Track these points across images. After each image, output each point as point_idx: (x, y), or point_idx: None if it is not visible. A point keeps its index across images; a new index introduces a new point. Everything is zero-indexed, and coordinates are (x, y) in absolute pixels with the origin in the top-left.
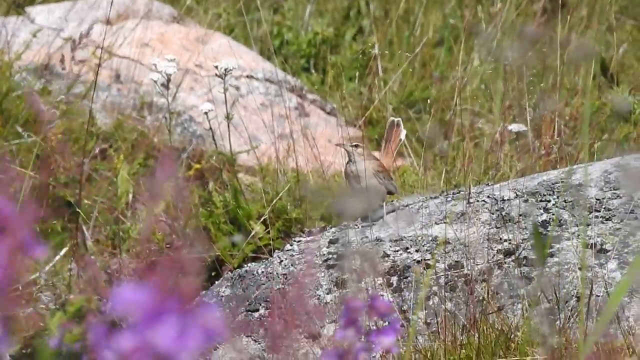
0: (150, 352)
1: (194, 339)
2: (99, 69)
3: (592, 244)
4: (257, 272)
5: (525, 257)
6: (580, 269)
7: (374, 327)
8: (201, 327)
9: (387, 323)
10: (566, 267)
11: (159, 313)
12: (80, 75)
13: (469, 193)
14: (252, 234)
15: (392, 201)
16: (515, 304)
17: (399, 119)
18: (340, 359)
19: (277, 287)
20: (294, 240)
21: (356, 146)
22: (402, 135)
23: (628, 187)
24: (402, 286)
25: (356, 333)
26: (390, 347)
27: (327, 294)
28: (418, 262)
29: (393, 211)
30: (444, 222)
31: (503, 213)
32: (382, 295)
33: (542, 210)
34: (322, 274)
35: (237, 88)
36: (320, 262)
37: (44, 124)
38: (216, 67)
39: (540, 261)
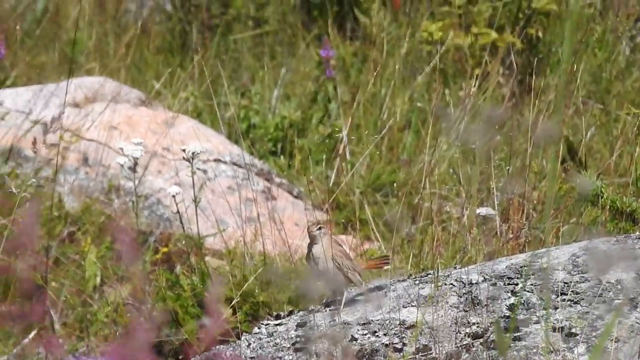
0: None
1: None
2: (58, 153)
3: (560, 327)
4: (226, 355)
5: (493, 341)
6: (549, 352)
7: None
8: None
9: None
10: (534, 350)
11: None
12: (51, 158)
13: (437, 276)
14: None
15: (359, 285)
16: None
17: (389, 257)
18: None
19: None
20: (262, 324)
21: (320, 228)
22: (386, 267)
23: (595, 270)
24: None
25: None
26: None
27: None
28: (386, 345)
29: (360, 295)
30: (412, 306)
31: (471, 296)
32: None
33: (509, 294)
34: (290, 357)
35: (205, 171)
36: (289, 346)
37: (14, 206)
38: (184, 150)
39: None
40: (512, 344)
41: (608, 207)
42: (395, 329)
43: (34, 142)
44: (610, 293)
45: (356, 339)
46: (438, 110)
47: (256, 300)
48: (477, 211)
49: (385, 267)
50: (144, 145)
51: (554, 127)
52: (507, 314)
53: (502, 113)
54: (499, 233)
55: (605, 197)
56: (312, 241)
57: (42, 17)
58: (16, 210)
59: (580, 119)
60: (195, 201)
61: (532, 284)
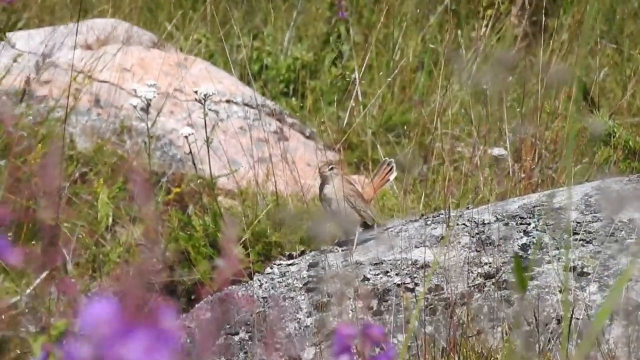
0: None
1: (163, 355)
2: (68, 93)
3: (572, 267)
4: (237, 295)
5: (505, 281)
6: (560, 292)
7: (366, 354)
8: (169, 342)
9: (379, 350)
10: (546, 290)
11: (129, 329)
12: (58, 99)
13: (449, 217)
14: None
15: (371, 226)
16: (496, 327)
17: (393, 161)
18: None
19: (258, 310)
20: (274, 264)
21: (332, 168)
22: (391, 177)
23: (608, 209)
24: (382, 309)
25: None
26: None
27: (307, 317)
28: (398, 285)
29: (372, 235)
30: (424, 246)
31: (483, 237)
32: (364, 319)
33: (522, 234)
34: (302, 297)
35: (217, 112)
36: (301, 286)
37: (16, 147)
38: (196, 92)
39: (522, 290)
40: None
41: (621, 146)
42: (407, 269)
43: (27, 80)
44: (622, 232)
45: (368, 279)
46: (450, 51)
47: (268, 240)
48: (490, 151)
49: (392, 177)
50: (156, 87)
51: (565, 68)
52: (520, 254)
53: (514, 54)
54: (511, 173)
55: (617, 136)
56: (324, 181)
57: None
58: (18, 150)
59: (594, 59)
60: (208, 142)
61: (544, 224)
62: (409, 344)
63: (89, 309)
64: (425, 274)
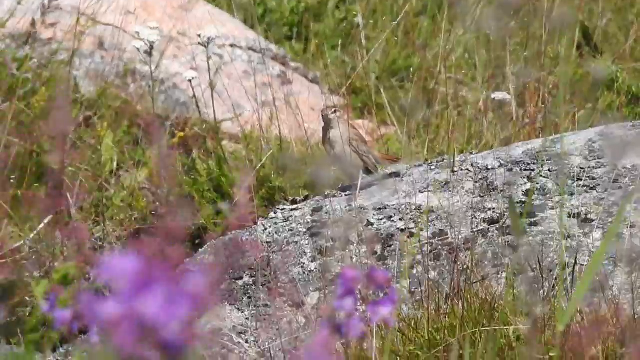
0: (137, 321)
1: (182, 307)
2: (74, 35)
3: (576, 213)
4: (241, 240)
5: (509, 226)
6: (564, 238)
7: (369, 298)
8: (188, 296)
9: (383, 294)
10: (550, 236)
11: (146, 281)
12: (61, 42)
13: (453, 162)
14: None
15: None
16: (500, 272)
17: (399, 159)
18: (335, 328)
19: (262, 255)
20: (278, 208)
21: (335, 112)
22: (394, 164)
23: (611, 155)
24: (386, 254)
25: (353, 303)
26: (387, 318)
27: (311, 261)
28: (402, 230)
29: (376, 180)
30: (428, 191)
31: (487, 182)
32: (368, 264)
33: (525, 179)
34: (306, 242)
35: (221, 56)
36: (304, 230)
37: (20, 89)
38: (199, 35)
39: (518, 232)
40: (528, 229)
41: (624, 92)
42: (411, 214)
43: (32, 23)
44: (626, 179)
45: (372, 224)
46: None
47: (272, 185)
48: (493, 96)
49: (394, 164)
50: (160, 30)
51: (568, 12)
52: (523, 200)
53: None
54: (515, 118)
55: (621, 82)
56: (328, 125)
57: None
58: (21, 92)
59: (596, 3)
60: (212, 85)
61: (548, 170)
62: (412, 290)
63: (108, 262)
64: (427, 218)
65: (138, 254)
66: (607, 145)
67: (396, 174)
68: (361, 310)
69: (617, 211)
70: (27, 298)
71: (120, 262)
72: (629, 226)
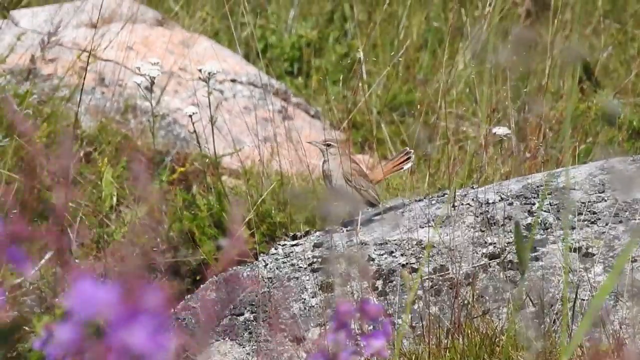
0: (122, 353)
1: (166, 339)
2: (87, 76)
3: (577, 247)
4: (242, 276)
5: (510, 261)
6: (565, 272)
7: (364, 331)
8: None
9: (375, 327)
10: (551, 270)
11: (130, 313)
12: (62, 77)
13: (454, 196)
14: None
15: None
16: (501, 307)
17: (412, 152)
18: None
19: (263, 290)
20: (279, 244)
21: (329, 145)
22: (406, 166)
23: (617, 190)
24: (387, 290)
25: (347, 336)
26: (380, 350)
27: (312, 297)
28: (403, 265)
29: (377, 214)
30: (429, 226)
31: (488, 216)
32: (370, 299)
33: (526, 213)
34: (307, 278)
35: (221, 91)
36: (305, 266)
37: (20, 126)
38: (200, 70)
39: (523, 263)
40: (529, 264)
41: (625, 126)
42: (412, 249)
43: (32, 59)
44: (627, 213)
45: (373, 259)
46: (455, 29)
47: (273, 220)
48: (494, 130)
49: (406, 167)
50: (160, 65)
51: (578, 47)
52: (524, 234)
53: (525, 31)
54: (515, 152)
55: (622, 116)
56: (325, 159)
57: None
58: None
59: (597, 38)
60: (212, 121)
61: (549, 204)
62: (413, 325)
63: (78, 289)
64: (429, 253)
65: (120, 282)
66: (614, 179)
67: (396, 208)
68: (356, 344)
69: (624, 246)
70: (28, 333)
71: (94, 291)
72: (630, 260)
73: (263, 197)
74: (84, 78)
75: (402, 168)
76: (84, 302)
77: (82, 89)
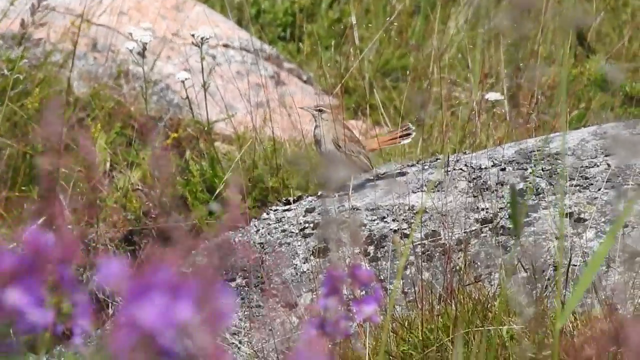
0: (139, 328)
1: (183, 313)
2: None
3: (569, 213)
4: (234, 241)
5: (502, 227)
6: (557, 238)
7: (355, 296)
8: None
9: (367, 292)
10: (543, 236)
11: (144, 287)
12: (55, 43)
13: (447, 161)
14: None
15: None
16: (493, 273)
17: (413, 128)
18: (321, 328)
19: (254, 256)
20: (271, 209)
21: (321, 110)
22: (404, 141)
23: (620, 155)
24: (379, 255)
25: (338, 302)
26: (372, 315)
27: (304, 263)
28: (395, 231)
29: (369, 180)
30: (421, 191)
31: (480, 182)
32: (361, 265)
33: (519, 179)
34: (299, 243)
35: (214, 57)
36: (297, 231)
37: (13, 90)
38: (193, 35)
39: (518, 227)
40: (522, 233)
41: (617, 92)
42: (405, 214)
43: (22, 23)
44: (619, 178)
45: (365, 225)
46: None
47: (265, 186)
48: (487, 96)
49: (404, 142)
50: (153, 31)
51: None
52: (516, 196)
53: None
54: (508, 118)
55: (615, 83)
56: (316, 124)
57: None
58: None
59: (589, 3)
60: (204, 86)
61: (541, 169)
62: (406, 291)
63: (105, 266)
64: (421, 219)
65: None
66: (617, 144)
67: (389, 175)
68: (347, 309)
69: (616, 211)
70: None
71: (118, 267)
72: (621, 226)
73: (256, 163)
74: (74, 43)
75: (400, 142)
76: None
77: (73, 55)
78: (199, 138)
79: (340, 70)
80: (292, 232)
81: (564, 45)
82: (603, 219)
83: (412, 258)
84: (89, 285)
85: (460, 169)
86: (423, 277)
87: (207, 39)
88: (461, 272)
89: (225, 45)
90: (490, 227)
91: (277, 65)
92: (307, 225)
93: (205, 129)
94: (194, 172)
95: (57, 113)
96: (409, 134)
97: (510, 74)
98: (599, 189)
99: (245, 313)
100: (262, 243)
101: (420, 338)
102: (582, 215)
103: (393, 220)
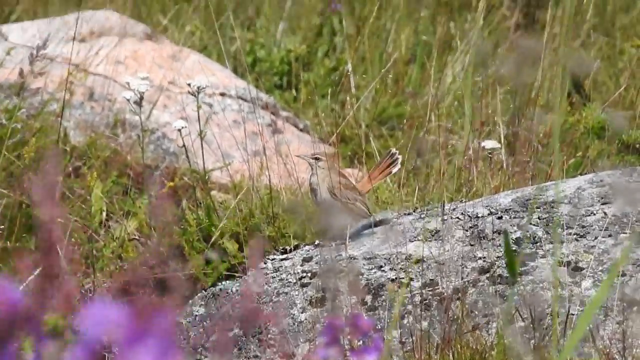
0: None
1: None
2: (65, 87)
3: (566, 261)
4: (232, 291)
5: (499, 275)
6: (554, 286)
7: (354, 346)
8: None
9: (365, 342)
10: (541, 285)
11: (139, 334)
12: (53, 92)
13: (443, 210)
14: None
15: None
16: (490, 322)
17: (397, 152)
18: None
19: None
20: (268, 259)
21: (317, 159)
22: (394, 169)
23: (620, 202)
24: (377, 305)
25: (338, 352)
26: None
27: (302, 312)
28: (392, 280)
29: (366, 228)
30: (418, 240)
31: (477, 230)
32: (361, 314)
33: (516, 227)
34: (297, 293)
35: (210, 105)
36: (295, 281)
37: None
38: (189, 84)
39: (513, 273)
40: (518, 278)
41: (614, 140)
42: (401, 263)
43: (21, 72)
44: (616, 227)
45: (362, 274)
46: (444, 43)
47: (262, 234)
48: (483, 144)
49: (394, 170)
50: (149, 80)
51: (572, 60)
52: (513, 248)
53: (540, 44)
54: (504, 166)
55: (611, 131)
56: (312, 172)
57: None
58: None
59: (586, 51)
60: (201, 135)
61: (538, 218)
62: (403, 340)
63: (91, 311)
64: (421, 267)
65: (125, 304)
66: (613, 192)
67: (386, 222)
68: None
69: (611, 260)
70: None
71: (105, 313)
72: (619, 274)
73: (253, 211)
74: (64, 92)
75: (391, 172)
76: (94, 323)
77: (64, 104)
78: (196, 187)
79: (337, 118)
80: (290, 282)
81: (560, 93)
82: (600, 268)
83: (409, 307)
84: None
85: (457, 217)
86: (420, 326)
87: (203, 87)
88: (459, 321)
89: (222, 94)
90: (488, 276)
91: (273, 114)
92: (304, 274)
93: (202, 177)
94: (190, 221)
95: (54, 162)
96: (395, 160)
97: (507, 122)
98: (596, 238)
99: None
100: (259, 292)
101: None
102: (579, 264)
103: (390, 269)
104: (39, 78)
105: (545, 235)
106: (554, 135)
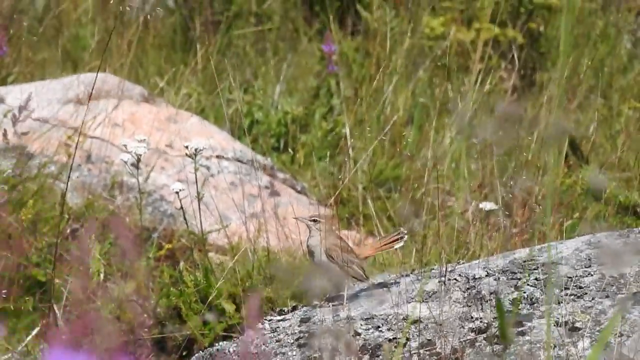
0: None
1: None
2: (74, 155)
3: (564, 321)
4: (229, 351)
5: (496, 336)
6: (552, 347)
7: None
8: None
9: None
10: (538, 345)
11: None
12: (50, 155)
13: (441, 272)
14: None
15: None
16: None
17: (405, 232)
18: None
19: None
20: (265, 319)
21: (315, 221)
22: (397, 245)
23: (607, 265)
24: None
25: None
26: None
27: None
28: (390, 340)
29: (364, 290)
30: (416, 301)
31: (474, 291)
32: None
33: (512, 288)
34: (294, 353)
35: (208, 167)
36: (292, 341)
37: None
38: (186, 147)
39: (505, 336)
40: (515, 339)
41: (612, 202)
42: (399, 324)
43: (5, 133)
44: (614, 287)
45: (359, 334)
46: (442, 105)
47: (260, 295)
48: (481, 206)
49: (397, 246)
50: (147, 142)
51: (563, 123)
52: (510, 309)
53: (508, 107)
54: (502, 228)
55: (608, 192)
56: (310, 234)
57: (44, 14)
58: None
59: (583, 113)
60: (199, 197)
61: (535, 279)
62: None
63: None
64: (418, 327)
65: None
66: (603, 254)
67: (383, 283)
68: None
69: (608, 320)
70: None
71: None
72: (616, 335)
73: (250, 273)
74: (62, 155)
75: (393, 247)
76: None
77: (70, 169)
78: (193, 248)
79: (334, 180)
80: (288, 342)
81: (554, 155)
82: (598, 328)
83: None
84: None
85: (455, 278)
86: None
87: (200, 150)
88: None
89: (220, 156)
90: (485, 336)
91: (271, 176)
92: (301, 335)
93: (200, 239)
94: (187, 283)
95: (51, 225)
96: (401, 238)
97: (504, 184)
98: (593, 298)
99: None
100: (256, 353)
101: None
102: (576, 324)
103: (388, 329)
104: (39, 140)
105: (543, 296)
106: (547, 197)
